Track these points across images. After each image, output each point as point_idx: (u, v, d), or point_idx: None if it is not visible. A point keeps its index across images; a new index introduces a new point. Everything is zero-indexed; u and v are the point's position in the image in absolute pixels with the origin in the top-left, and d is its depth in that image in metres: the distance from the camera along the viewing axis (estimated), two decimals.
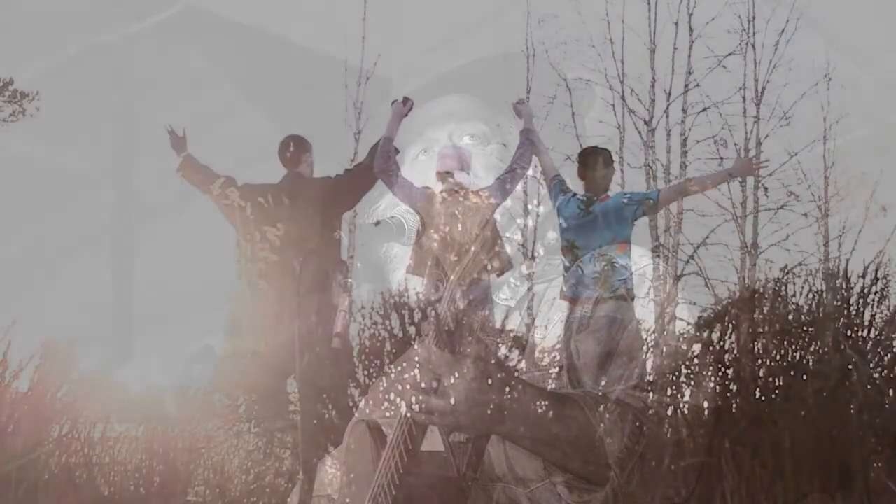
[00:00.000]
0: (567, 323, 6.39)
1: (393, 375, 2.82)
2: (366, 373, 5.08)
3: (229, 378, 5.98)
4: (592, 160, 6.63)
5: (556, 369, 5.18)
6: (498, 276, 6.87)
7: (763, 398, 4.30)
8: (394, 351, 4.90)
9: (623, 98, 9.75)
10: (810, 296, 4.42)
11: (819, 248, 9.73)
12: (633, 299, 6.38)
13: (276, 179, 7.01)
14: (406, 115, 7.06)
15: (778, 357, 4.34)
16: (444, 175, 6.85)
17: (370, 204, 15.28)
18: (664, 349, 4.50)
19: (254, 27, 20.09)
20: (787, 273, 4.48)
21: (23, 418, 5.38)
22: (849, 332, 4.35)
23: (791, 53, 9.81)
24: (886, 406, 4.21)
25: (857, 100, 10.54)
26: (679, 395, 4.38)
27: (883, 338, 4.35)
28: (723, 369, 4.34)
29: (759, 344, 4.35)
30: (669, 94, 9.63)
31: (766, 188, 9.69)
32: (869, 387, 4.21)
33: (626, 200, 6.43)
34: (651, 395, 4.30)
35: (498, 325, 4.22)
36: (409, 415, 2.53)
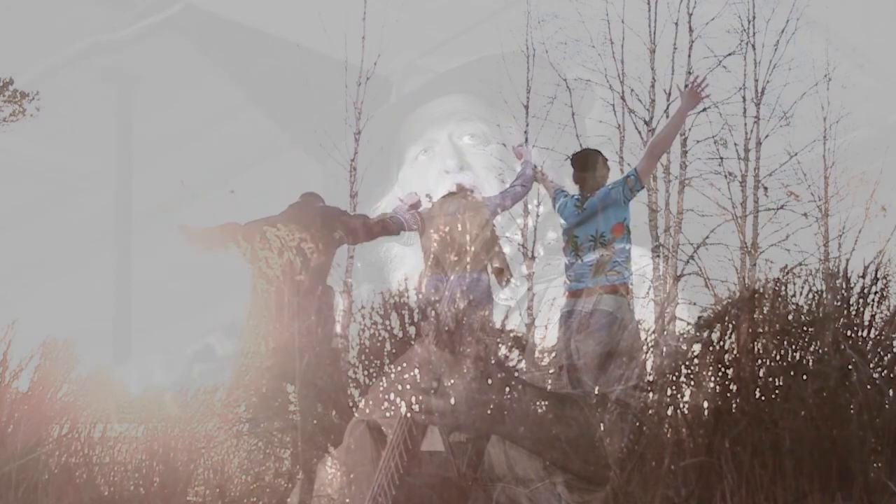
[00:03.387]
0: (567, 322, 6.42)
1: (393, 375, 2.82)
2: (366, 373, 5.08)
3: (231, 378, 5.98)
4: (592, 162, 6.72)
5: (556, 369, 5.18)
6: (501, 285, 6.90)
7: (763, 398, 4.30)
8: (394, 351, 4.90)
9: (623, 98, 9.74)
10: (810, 296, 4.42)
11: (819, 248, 9.72)
12: (630, 294, 6.44)
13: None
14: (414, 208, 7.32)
15: (778, 357, 4.34)
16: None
17: (370, 204, 15.32)
18: (664, 349, 4.50)
19: (253, 27, 20.11)
20: (787, 273, 4.48)
21: (23, 418, 5.38)
22: (849, 332, 4.35)
23: (791, 53, 9.81)
24: (886, 406, 4.21)
25: (857, 100, 10.53)
26: (679, 395, 4.38)
27: (883, 338, 4.35)
28: (723, 369, 4.34)
29: (759, 344, 4.35)
30: (669, 94, 9.62)
31: (766, 188, 9.69)
32: (869, 387, 4.21)
33: (610, 186, 6.62)
34: (651, 395, 4.31)
35: (498, 325, 4.22)
36: (409, 415, 2.53)
